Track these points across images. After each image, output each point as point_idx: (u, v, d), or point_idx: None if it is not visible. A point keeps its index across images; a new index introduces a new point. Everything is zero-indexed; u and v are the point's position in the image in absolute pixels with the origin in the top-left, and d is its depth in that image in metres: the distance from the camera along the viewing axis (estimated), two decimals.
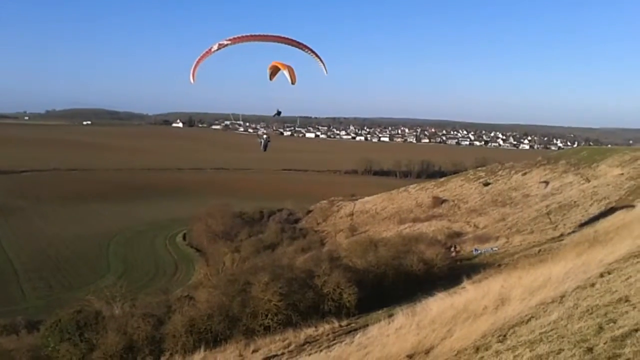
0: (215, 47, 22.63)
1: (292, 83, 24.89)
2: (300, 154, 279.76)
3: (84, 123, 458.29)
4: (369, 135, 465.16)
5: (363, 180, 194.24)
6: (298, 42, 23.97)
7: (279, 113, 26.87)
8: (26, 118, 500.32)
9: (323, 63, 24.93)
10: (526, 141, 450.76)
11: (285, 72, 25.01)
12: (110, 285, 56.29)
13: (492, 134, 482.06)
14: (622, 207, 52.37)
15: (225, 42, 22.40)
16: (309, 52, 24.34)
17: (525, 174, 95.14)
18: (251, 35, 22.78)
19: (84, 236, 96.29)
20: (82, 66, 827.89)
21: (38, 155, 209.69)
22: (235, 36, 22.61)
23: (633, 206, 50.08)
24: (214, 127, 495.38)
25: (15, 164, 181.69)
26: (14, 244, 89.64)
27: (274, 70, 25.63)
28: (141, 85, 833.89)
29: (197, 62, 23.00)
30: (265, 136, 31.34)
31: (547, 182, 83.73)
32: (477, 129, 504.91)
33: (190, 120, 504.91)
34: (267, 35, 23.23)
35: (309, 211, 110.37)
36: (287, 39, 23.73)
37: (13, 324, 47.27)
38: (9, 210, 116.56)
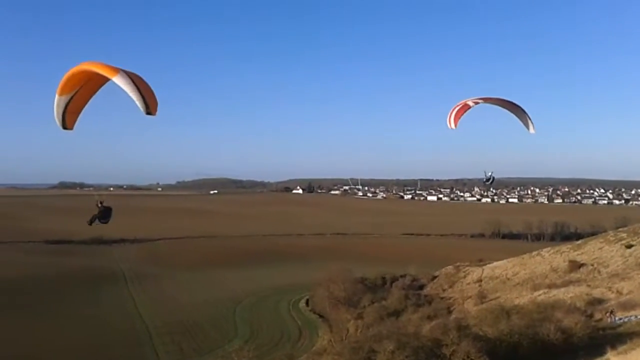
0: (471, 103, 24.81)
1: (151, 112, 16.54)
2: (421, 217, 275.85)
3: (211, 192, 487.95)
4: (495, 197, 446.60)
5: (490, 244, 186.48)
6: (516, 105, 25.48)
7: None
8: (159, 189, 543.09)
9: (532, 122, 25.68)
10: None
11: (122, 82, 15.54)
12: (237, 350, 56.94)
13: (633, 192, 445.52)
14: None
15: (479, 101, 24.84)
16: (521, 112, 25.45)
17: None
18: (496, 98, 25.43)
19: (211, 301, 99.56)
20: (209, 138, 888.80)
21: (171, 223, 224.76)
22: (485, 97, 25.43)
23: None
24: (332, 192, 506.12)
25: (150, 233, 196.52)
26: (148, 309, 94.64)
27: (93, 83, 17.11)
28: (263, 155, 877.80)
29: (458, 115, 24.86)
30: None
31: None
32: (616, 186, 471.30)
33: (310, 186, 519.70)
34: (502, 99, 25.56)
35: (434, 277, 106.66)
36: (512, 103, 25.65)
37: None
38: (144, 276, 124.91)
